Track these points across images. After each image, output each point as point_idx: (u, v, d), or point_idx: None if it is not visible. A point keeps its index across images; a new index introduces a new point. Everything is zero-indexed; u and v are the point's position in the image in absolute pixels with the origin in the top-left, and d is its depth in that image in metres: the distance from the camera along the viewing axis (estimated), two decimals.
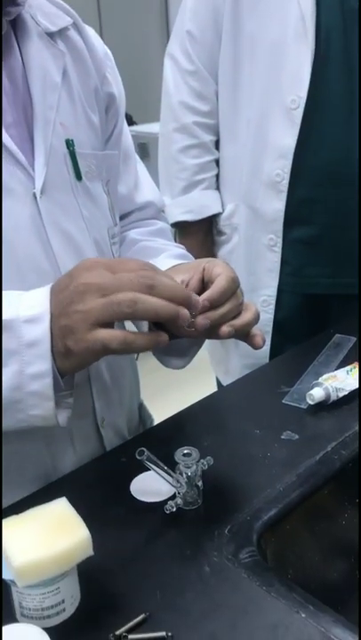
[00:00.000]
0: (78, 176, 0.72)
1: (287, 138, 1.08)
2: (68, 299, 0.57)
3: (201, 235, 1.25)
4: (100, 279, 0.56)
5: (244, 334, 0.66)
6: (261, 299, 1.20)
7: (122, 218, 0.86)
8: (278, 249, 1.16)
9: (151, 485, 0.67)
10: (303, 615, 0.54)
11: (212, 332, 0.64)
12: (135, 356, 0.71)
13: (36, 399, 0.58)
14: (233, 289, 0.65)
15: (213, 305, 0.63)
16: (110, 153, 0.80)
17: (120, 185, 0.85)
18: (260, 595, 0.56)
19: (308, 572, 0.70)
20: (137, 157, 0.90)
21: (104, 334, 0.55)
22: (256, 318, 0.67)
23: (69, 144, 0.71)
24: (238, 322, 0.65)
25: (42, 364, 0.57)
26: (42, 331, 0.56)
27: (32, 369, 0.57)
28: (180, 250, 0.83)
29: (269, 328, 1.21)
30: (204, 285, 0.68)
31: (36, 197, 0.67)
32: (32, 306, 0.58)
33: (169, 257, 0.78)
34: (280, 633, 0.53)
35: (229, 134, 1.17)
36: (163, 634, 0.53)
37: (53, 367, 0.58)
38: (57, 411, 0.59)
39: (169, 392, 1.83)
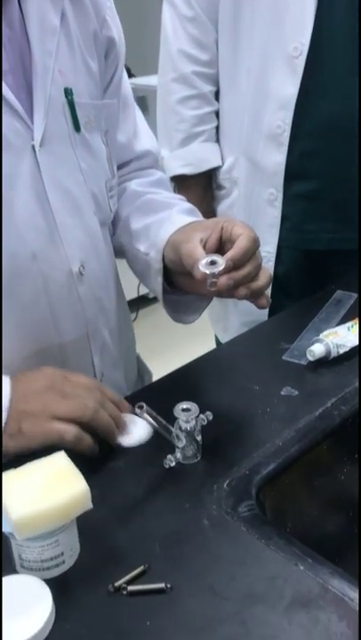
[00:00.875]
0: (77, 127, 0.70)
1: (289, 87, 1.05)
2: (32, 388, 0.63)
3: (200, 189, 1.23)
4: (53, 393, 0.64)
5: (256, 296, 0.66)
6: (261, 255, 1.18)
7: (120, 167, 0.85)
8: (279, 204, 1.14)
9: (130, 430, 0.69)
10: (302, 567, 0.54)
11: (231, 291, 0.65)
12: (134, 315, 0.72)
13: None
14: (254, 249, 0.65)
15: (236, 265, 0.63)
16: (109, 102, 0.77)
17: (119, 133, 0.83)
18: (258, 548, 0.57)
19: (306, 525, 0.70)
20: (135, 105, 0.88)
21: (62, 425, 0.62)
22: (269, 281, 0.67)
23: (68, 93, 0.68)
24: (255, 284, 0.66)
25: None
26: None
27: None
28: (187, 204, 0.82)
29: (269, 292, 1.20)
30: (222, 244, 0.67)
31: (34, 150, 0.65)
32: None
33: (181, 213, 0.77)
34: (278, 585, 0.53)
35: (229, 84, 1.15)
36: (162, 585, 0.53)
37: None
38: None
39: (167, 351, 1.78)
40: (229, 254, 0.62)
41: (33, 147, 0.65)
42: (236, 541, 0.58)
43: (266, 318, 1.08)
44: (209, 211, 1.24)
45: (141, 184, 0.85)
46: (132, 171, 0.87)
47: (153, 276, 0.76)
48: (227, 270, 0.62)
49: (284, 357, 0.86)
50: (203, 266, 0.63)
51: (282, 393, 0.78)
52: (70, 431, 0.62)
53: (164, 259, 0.74)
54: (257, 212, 1.18)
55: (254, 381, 0.81)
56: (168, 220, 0.75)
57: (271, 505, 0.66)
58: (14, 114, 0.63)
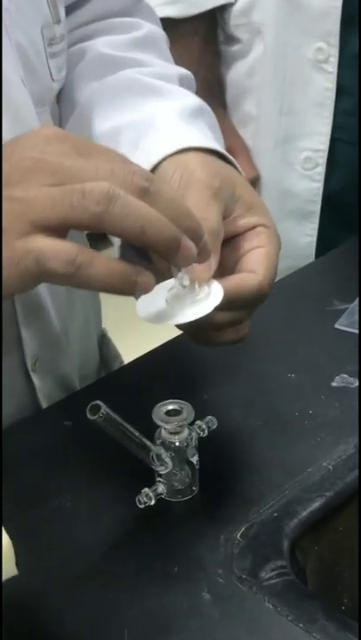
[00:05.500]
0: None
1: None
2: (4, 176, 0.55)
3: (196, 42, 1.23)
4: (66, 158, 0.55)
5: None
6: (303, 155, 1.21)
7: (75, 8, 0.85)
8: (333, 67, 1.14)
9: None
10: None
11: None
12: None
13: None
14: (262, 297, 0.65)
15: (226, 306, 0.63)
16: None
17: None
18: (295, 637, 0.56)
19: None
20: None
21: (43, 244, 0.53)
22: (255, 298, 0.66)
23: None
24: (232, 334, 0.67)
25: None
26: None
27: None
28: (191, 98, 0.78)
29: (316, 206, 1.22)
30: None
31: None
32: None
33: (180, 116, 0.73)
34: None
35: None
36: None
37: None
38: None
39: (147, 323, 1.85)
40: (227, 287, 0.63)
41: None
42: (257, 627, 0.57)
43: (311, 259, 1.09)
44: (212, 83, 1.25)
45: (115, 44, 0.84)
46: (99, 19, 0.86)
47: None
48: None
49: (336, 325, 0.86)
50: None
51: (333, 384, 0.79)
52: (59, 253, 0.53)
53: None
54: (294, 84, 1.18)
55: (287, 365, 0.81)
56: (153, 131, 0.72)
57: (315, 567, 0.66)
58: None
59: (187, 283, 0.60)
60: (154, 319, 0.61)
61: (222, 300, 0.61)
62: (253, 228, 0.67)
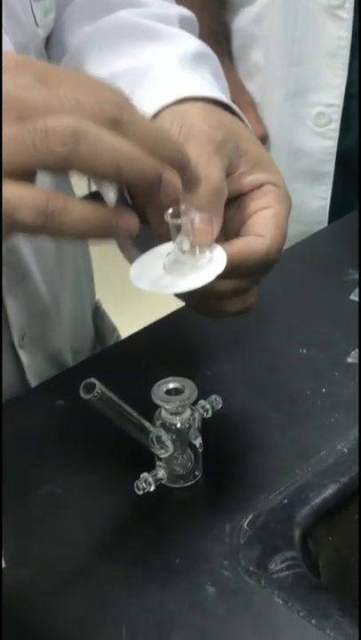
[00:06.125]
0: None
1: None
2: None
3: None
4: (26, 90, 0.53)
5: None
6: (315, 110, 1.21)
7: None
8: (348, 14, 1.14)
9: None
10: None
11: None
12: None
13: None
14: (270, 263, 0.65)
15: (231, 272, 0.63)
16: None
17: None
18: (307, 634, 0.56)
19: None
20: None
21: (8, 192, 0.52)
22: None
23: None
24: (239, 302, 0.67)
25: None
26: None
27: None
28: (193, 41, 0.78)
29: (330, 166, 1.22)
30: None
31: None
32: None
33: (180, 63, 0.73)
34: None
35: None
36: None
37: None
38: None
39: (146, 294, 1.87)
40: (231, 252, 0.63)
41: None
42: (266, 623, 0.57)
43: (324, 225, 1.09)
44: (216, 31, 1.25)
45: None
46: None
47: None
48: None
49: (352, 297, 0.87)
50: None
51: (348, 360, 0.79)
52: (27, 201, 0.52)
53: None
54: (306, 32, 1.18)
55: (298, 340, 0.81)
56: (150, 79, 0.71)
57: (329, 559, 0.66)
58: None
59: (186, 247, 0.60)
60: (149, 287, 0.60)
61: (226, 267, 0.61)
62: (260, 186, 0.66)
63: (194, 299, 0.65)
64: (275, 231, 0.65)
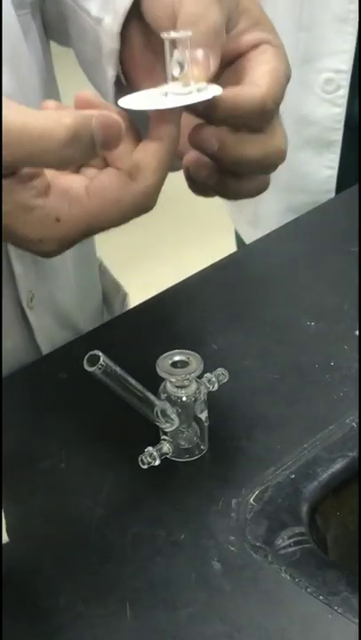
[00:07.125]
0: None
1: None
2: None
3: None
4: None
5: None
6: (323, 77, 1.19)
7: None
8: None
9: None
10: None
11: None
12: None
13: None
14: (265, 114, 0.64)
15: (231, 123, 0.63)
16: None
17: None
18: (315, 611, 0.55)
19: None
20: None
21: None
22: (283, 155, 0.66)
23: None
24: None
25: None
26: None
27: None
28: None
29: (338, 134, 1.21)
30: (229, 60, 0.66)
31: None
32: None
33: None
34: None
35: None
36: None
37: None
38: None
39: (155, 258, 1.92)
40: (226, 95, 0.62)
41: None
42: (273, 599, 0.57)
43: (330, 196, 1.09)
44: None
45: None
46: None
47: (104, 63, 0.74)
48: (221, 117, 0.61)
49: None
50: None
51: (357, 333, 0.79)
52: None
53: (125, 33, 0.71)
54: None
55: (307, 312, 0.81)
56: None
57: (337, 534, 0.66)
58: None
59: (177, 73, 0.60)
60: (134, 105, 0.60)
61: (219, 104, 0.61)
62: (259, 45, 0.66)
63: (203, 169, 0.64)
64: (272, 82, 0.64)
